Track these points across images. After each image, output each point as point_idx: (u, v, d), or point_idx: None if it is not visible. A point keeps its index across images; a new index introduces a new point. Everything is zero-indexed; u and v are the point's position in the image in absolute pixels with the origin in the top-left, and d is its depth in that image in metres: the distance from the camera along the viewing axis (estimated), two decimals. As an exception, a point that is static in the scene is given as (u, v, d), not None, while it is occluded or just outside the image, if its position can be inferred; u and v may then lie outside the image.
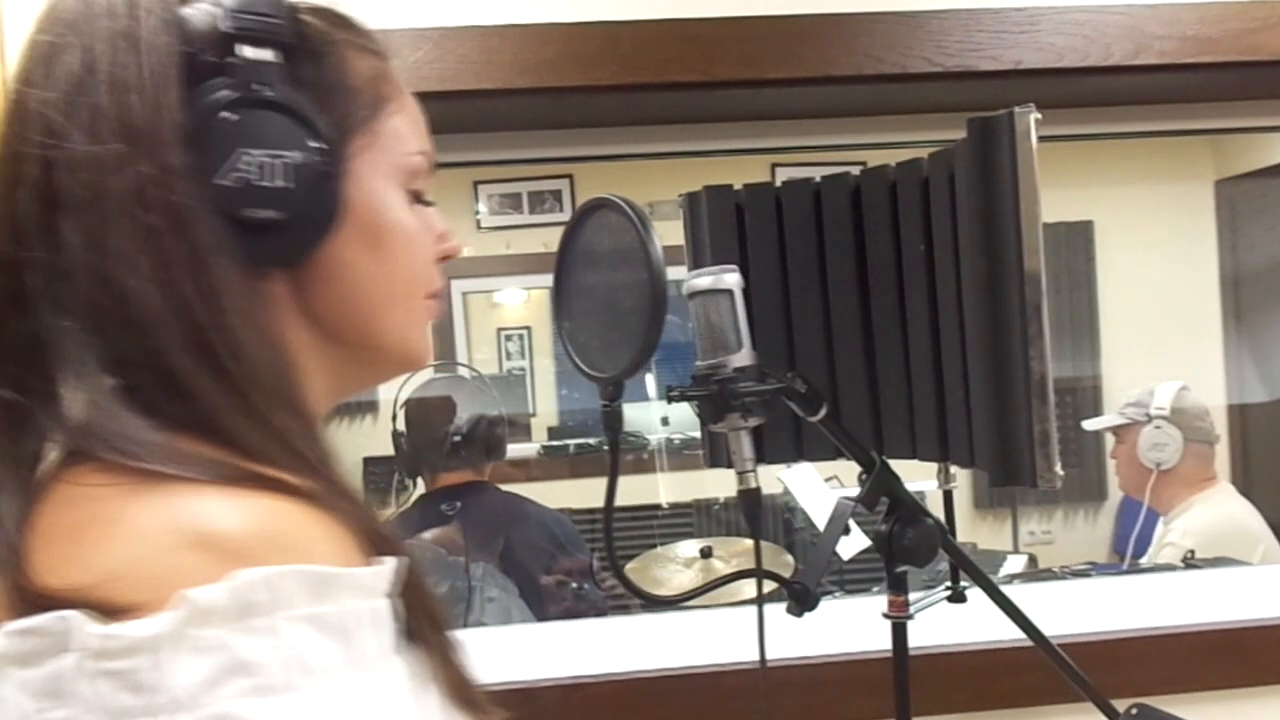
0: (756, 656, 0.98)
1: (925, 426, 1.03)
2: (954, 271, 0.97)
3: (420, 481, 2.32)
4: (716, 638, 1.41)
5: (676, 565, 2.53)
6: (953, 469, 1.06)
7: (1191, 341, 3.87)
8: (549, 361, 4.20)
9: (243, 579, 0.49)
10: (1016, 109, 0.89)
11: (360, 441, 3.83)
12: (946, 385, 1.00)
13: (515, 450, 3.94)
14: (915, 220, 1.01)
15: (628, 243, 0.83)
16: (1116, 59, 1.44)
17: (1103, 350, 4.07)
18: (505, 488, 2.40)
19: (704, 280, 0.92)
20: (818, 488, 2.72)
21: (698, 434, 1.13)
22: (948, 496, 1.10)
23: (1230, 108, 1.64)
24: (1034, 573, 2.73)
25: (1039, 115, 0.89)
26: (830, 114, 1.62)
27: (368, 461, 3.73)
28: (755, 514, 0.94)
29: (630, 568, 2.57)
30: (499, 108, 1.48)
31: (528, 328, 4.24)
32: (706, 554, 2.50)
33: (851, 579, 2.85)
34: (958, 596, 1.11)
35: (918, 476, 1.09)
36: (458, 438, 2.22)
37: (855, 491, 1.02)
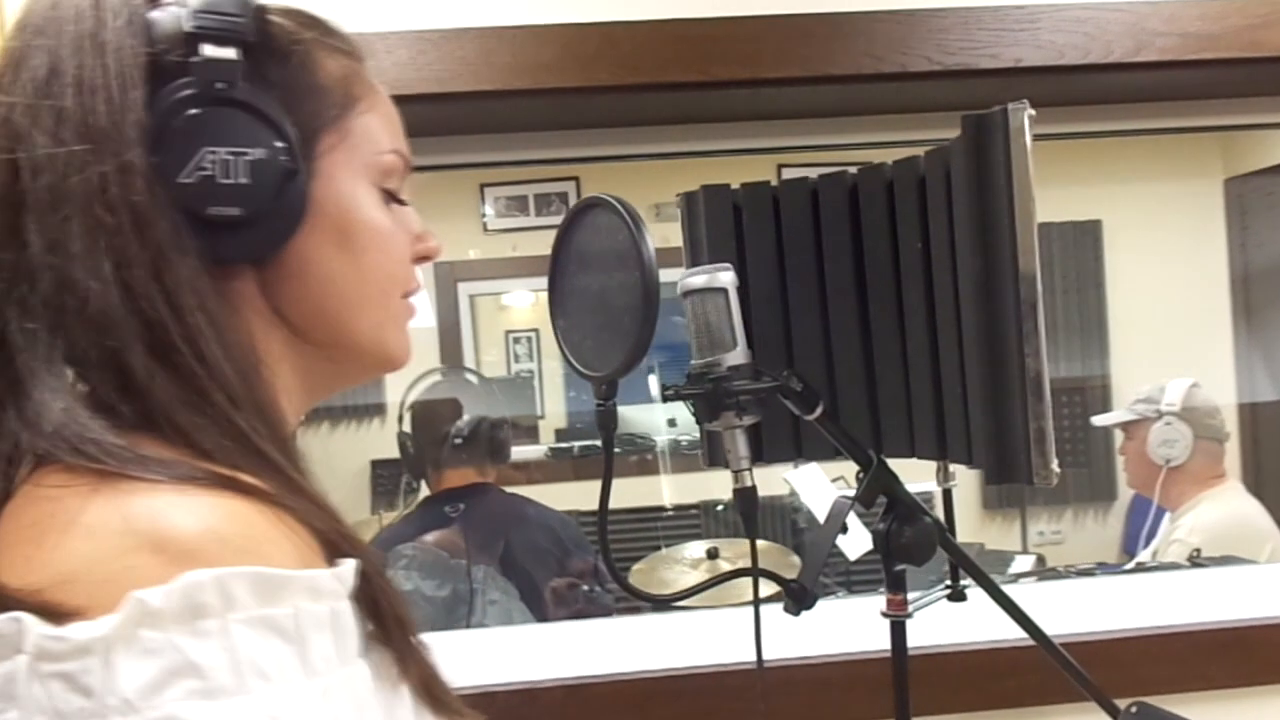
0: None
1: (923, 425, 1.03)
2: (951, 269, 0.97)
3: (425, 484, 2.33)
4: (719, 638, 1.41)
5: (683, 566, 2.54)
6: (952, 468, 1.06)
7: (1201, 340, 3.85)
8: (557, 364, 4.20)
9: (192, 580, 0.49)
10: (1010, 105, 0.88)
11: (368, 444, 3.85)
12: (944, 383, 1.00)
13: (523, 452, 3.95)
14: (912, 218, 1.01)
15: (620, 242, 0.83)
16: (1117, 56, 1.44)
17: (1111, 350, 4.05)
18: (512, 490, 2.40)
19: (698, 279, 0.92)
20: (824, 489, 2.72)
21: (703, 435, 1.12)
22: (947, 495, 1.09)
23: (1233, 105, 1.64)
24: (1037, 571, 2.72)
25: (1033, 112, 0.88)
26: (834, 113, 1.62)
27: (375, 464, 3.76)
28: (751, 513, 0.94)
29: (637, 569, 2.57)
30: (503, 109, 1.48)
31: (535, 330, 4.25)
32: (713, 555, 2.50)
33: (858, 580, 2.85)
34: (957, 595, 1.10)
35: (922, 478, 1.09)
36: (459, 440, 2.22)
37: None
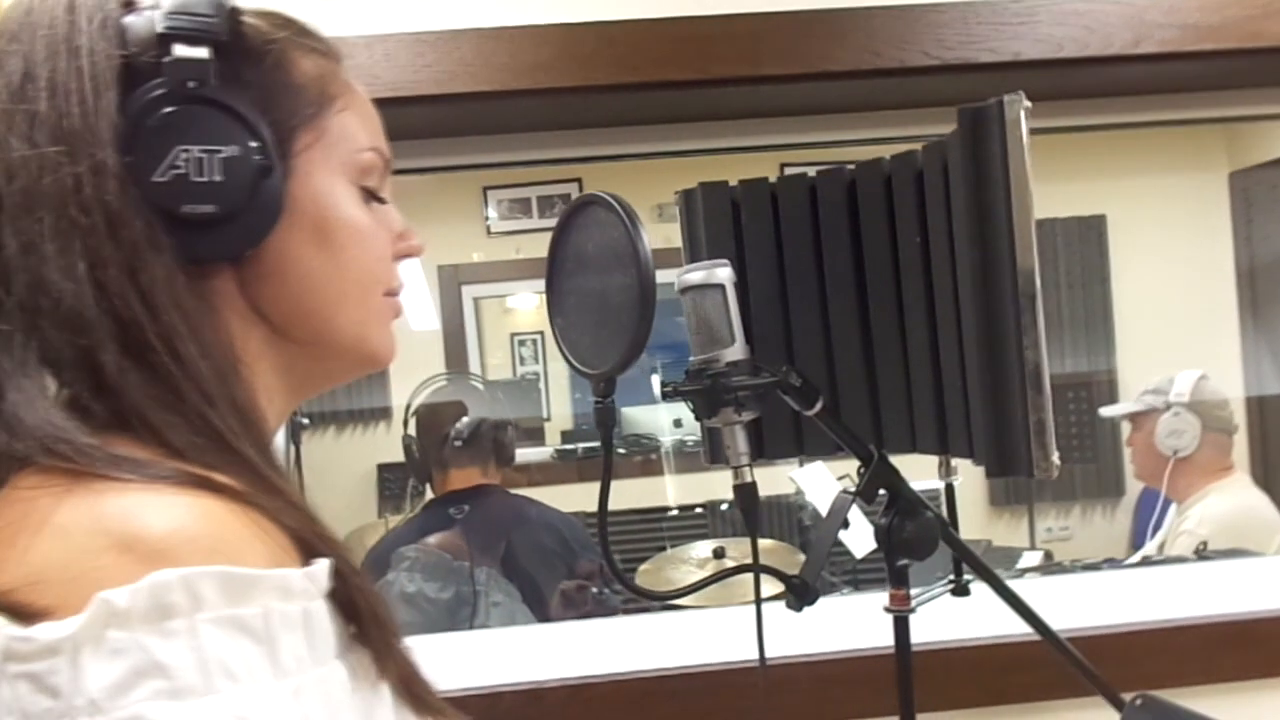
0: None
1: (924, 419, 1.02)
2: (949, 262, 0.97)
3: (431, 487, 2.33)
4: (723, 636, 1.41)
5: (689, 566, 2.54)
6: (954, 462, 1.06)
7: (1207, 334, 3.84)
8: (562, 366, 4.18)
9: (159, 580, 0.48)
10: (1006, 97, 0.88)
11: (374, 448, 3.85)
12: (944, 377, 1.00)
13: (529, 454, 3.95)
14: (910, 212, 1.01)
15: (616, 239, 0.83)
16: (1117, 49, 1.43)
17: (1118, 345, 4.05)
18: (519, 492, 2.40)
19: (696, 275, 0.92)
20: (830, 487, 2.72)
21: (708, 435, 1.12)
22: (949, 490, 1.09)
23: (1234, 96, 1.63)
24: (1043, 566, 2.71)
25: (1029, 103, 0.88)
26: (834, 110, 1.62)
27: (382, 468, 3.76)
28: (752, 509, 0.94)
29: (643, 570, 2.57)
30: (502, 110, 1.48)
31: (540, 333, 4.25)
32: (719, 555, 2.50)
33: (865, 578, 2.84)
34: (961, 590, 1.10)
35: (928, 476, 1.08)
36: (459, 442, 2.22)
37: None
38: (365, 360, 0.71)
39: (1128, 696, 1.09)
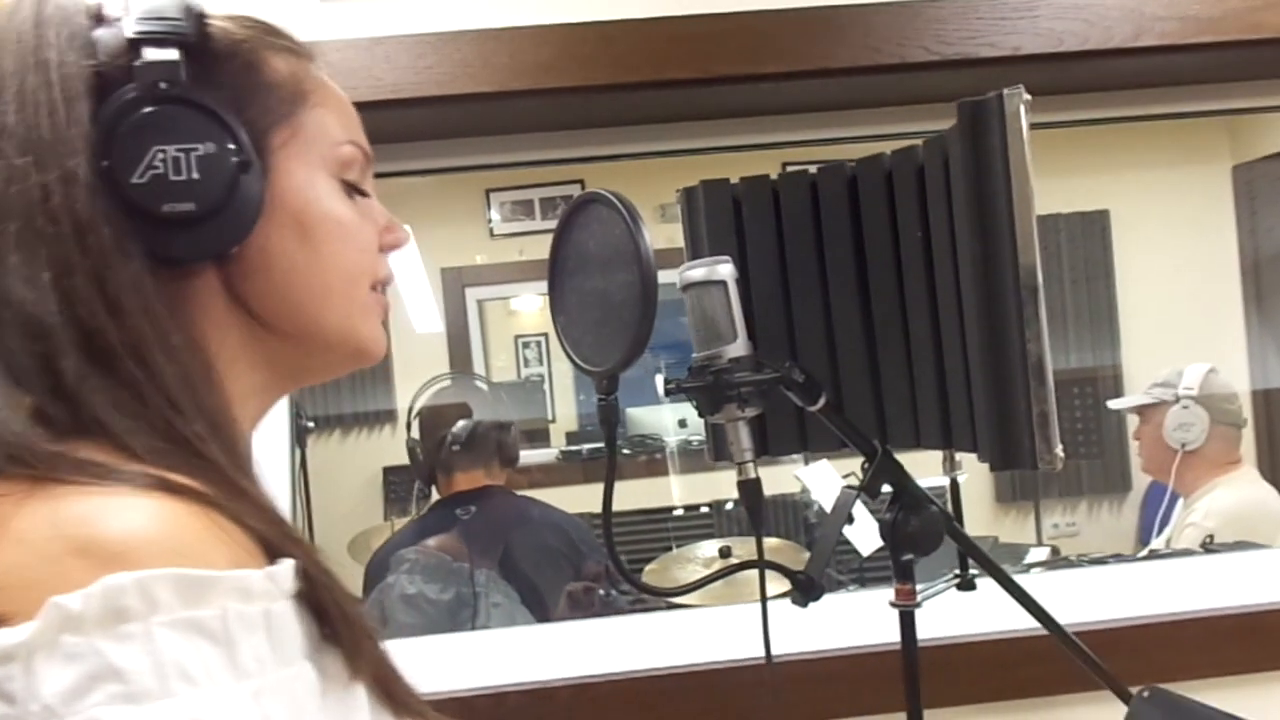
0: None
1: (928, 414, 1.03)
2: (951, 256, 0.97)
3: (436, 489, 2.33)
4: (727, 634, 1.41)
5: (696, 565, 2.54)
6: (958, 457, 1.06)
7: (1213, 328, 3.83)
8: (566, 367, 4.20)
9: (112, 584, 0.48)
10: (1005, 90, 0.88)
11: (380, 451, 3.86)
12: (948, 371, 1.00)
13: (534, 456, 3.95)
14: (912, 207, 1.01)
15: (618, 237, 0.83)
16: (1117, 42, 1.43)
17: (1122, 339, 4.03)
18: (524, 493, 2.40)
19: (697, 272, 0.92)
20: (836, 485, 2.71)
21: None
22: (954, 485, 1.09)
23: (1235, 88, 1.63)
24: (1050, 561, 2.70)
25: (1028, 96, 0.88)
26: (835, 107, 1.62)
27: (387, 471, 3.76)
28: (756, 505, 0.94)
29: (650, 569, 2.57)
30: (503, 111, 1.48)
31: (544, 334, 4.25)
32: (725, 554, 2.50)
33: (871, 575, 2.84)
34: (967, 584, 1.10)
35: (933, 473, 1.08)
36: (456, 446, 2.23)
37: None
38: (354, 354, 0.71)
39: (1135, 690, 1.09)
